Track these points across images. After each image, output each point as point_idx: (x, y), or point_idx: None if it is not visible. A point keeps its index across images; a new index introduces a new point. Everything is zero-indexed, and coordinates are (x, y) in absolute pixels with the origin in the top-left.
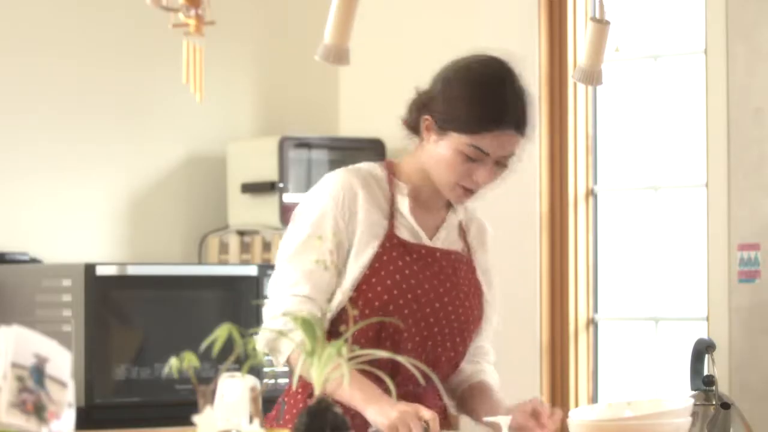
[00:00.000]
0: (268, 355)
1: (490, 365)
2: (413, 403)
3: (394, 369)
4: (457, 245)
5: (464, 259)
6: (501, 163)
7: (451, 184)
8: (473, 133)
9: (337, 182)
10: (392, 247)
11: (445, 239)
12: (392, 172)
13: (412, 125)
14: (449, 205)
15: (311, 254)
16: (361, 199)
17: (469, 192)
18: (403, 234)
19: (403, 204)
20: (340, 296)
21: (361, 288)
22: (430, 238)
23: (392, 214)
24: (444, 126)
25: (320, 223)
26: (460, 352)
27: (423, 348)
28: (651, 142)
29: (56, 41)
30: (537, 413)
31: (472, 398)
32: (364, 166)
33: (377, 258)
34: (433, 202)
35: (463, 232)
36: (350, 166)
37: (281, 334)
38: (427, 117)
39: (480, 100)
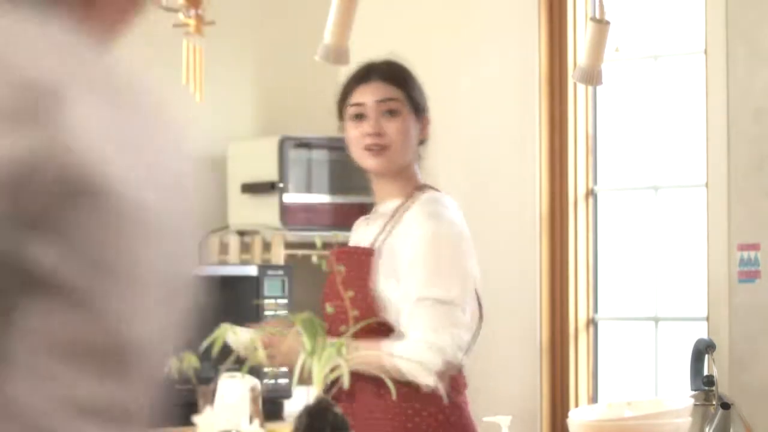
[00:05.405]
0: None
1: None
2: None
3: None
4: (369, 238)
5: (367, 252)
6: (390, 111)
7: (358, 152)
8: (348, 94)
9: None
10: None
11: (365, 234)
12: None
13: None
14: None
15: None
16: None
17: (373, 150)
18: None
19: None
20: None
21: None
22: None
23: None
24: (340, 115)
25: None
26: None
27: None
28: (651, 142)
29: None
30: None
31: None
32: None
33: None
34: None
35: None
36: None
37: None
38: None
39: (350, 73)
